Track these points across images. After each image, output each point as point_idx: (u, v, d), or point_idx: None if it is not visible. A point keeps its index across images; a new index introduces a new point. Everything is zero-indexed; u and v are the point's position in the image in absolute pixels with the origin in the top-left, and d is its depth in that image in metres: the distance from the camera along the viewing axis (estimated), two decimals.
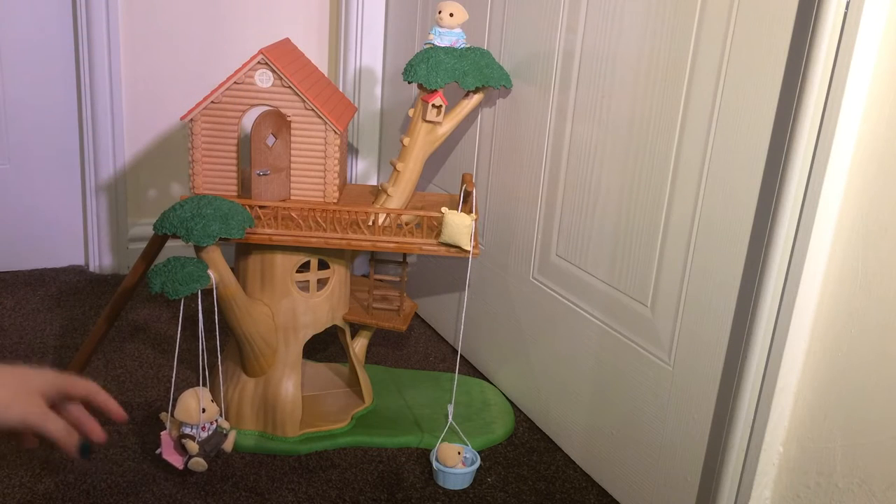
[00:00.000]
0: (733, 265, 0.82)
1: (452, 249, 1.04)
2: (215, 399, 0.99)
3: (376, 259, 1.13)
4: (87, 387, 0.76)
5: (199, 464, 0.95)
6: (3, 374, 0.70)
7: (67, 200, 1.61)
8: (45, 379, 0.72)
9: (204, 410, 0.96)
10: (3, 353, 1.30)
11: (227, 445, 0.99)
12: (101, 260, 1.63)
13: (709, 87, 0.83)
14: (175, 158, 1.63)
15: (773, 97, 0.75)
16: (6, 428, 0.69)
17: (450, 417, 1.07)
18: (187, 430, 0.96)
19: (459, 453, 1.03)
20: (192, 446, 0.95)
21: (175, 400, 0.98)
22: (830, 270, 0.75)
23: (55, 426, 0.72)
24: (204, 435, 0.96)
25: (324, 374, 1.25)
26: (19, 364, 0.72)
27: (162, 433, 0.97)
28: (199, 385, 0.97)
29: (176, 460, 0.97)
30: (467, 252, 1.02)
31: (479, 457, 1.06)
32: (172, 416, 0.98)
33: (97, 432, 0.78)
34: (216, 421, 0.98)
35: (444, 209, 1.02)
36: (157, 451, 0.98)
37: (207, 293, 0.97)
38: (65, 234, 1.63)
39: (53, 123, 1.55)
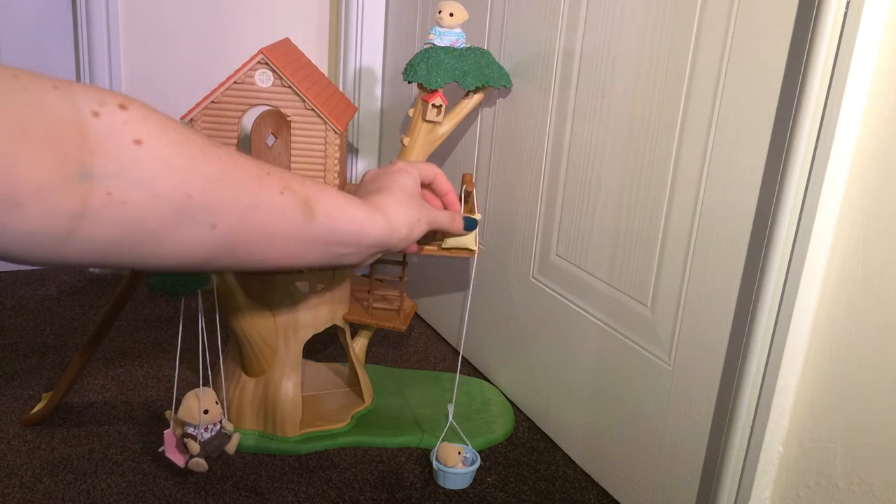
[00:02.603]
0: (733, 265, 0.82)
1: (453, 249, 1.03)
2: (219, 400, 0.99)
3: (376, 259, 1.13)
4: (434, 173, 0.82)
5: (198, 464, 0.95)
6: (393, 189, 0.72)
7: None
8: (414, 180, 0.76)
9: (207, 412, 0.96)
10: (3, 353, 1.30)
11: (230, 447, 0.99)
12: None
13: (709, 87, 0.83)
14: None
15: (773, 97, 0.75)
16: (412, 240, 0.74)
17: (450, 417, 1.07)
18: (190, 430, 0.96)
19: (459, 453, 1.03)
20: (194, 446, 0.95)
21: (178, 399, 0.98)
22: (830, 270, 0.75)
23: (441, 217, 0.79)
24: (206, 436, 0.96)
25: (324, 374, 1.25)
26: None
27: (165, 431, 0.97)
28: (199, 385, 0.97)
29: (178, 459, 0.97)
30: (473, 252, 1.02)
31: (479, 456, 1.06)
32: (176, 415, 0.98)
33: (456, 203, 0.87)
34: (220, 422, 0.98)
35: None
36: (160, 449, 0.98)
37: (207, 293, 0.97)
38: None
39: None
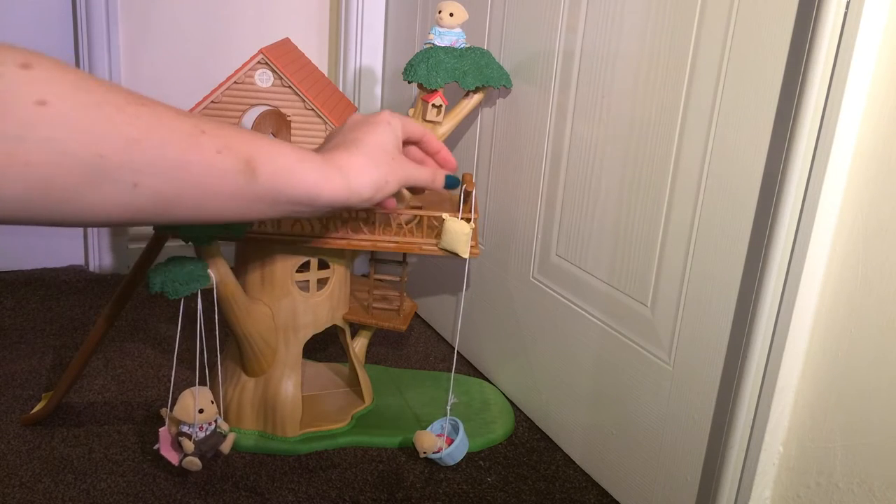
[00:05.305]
0: (733, 265, 0.82)
1: (448, 251, 1.04)
2: (215, 400, 0.99)
3: (376, 259, 1.13)
4: (422, 132, 0.78)
5: (192, 463, 0.95)
6: (366, 144, 0.68)
7: None
8: (395, 135, 0.72)
9: (202, 411, 0.96)
10: (2, 353, 1.30)
11: (225, 447, 0.99)
12: (101, 260, 1.63)
13: (709, 87, 0.83)
14: None
15: (773, 97, 0.75)
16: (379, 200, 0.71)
17: (448, 410, 1.07)
18: (184, 429, 0.96)
19: (440, 434, 1.05)
20: (188, 445, 0.95)
21: (175, 398, 0.98)
22: (830, 270, 0.75)
23: (420, 174, 0.74)
24: (201, 435, 0.96)
25: (324, 374, 1.25)
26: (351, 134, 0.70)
27: (161, 429, 0.98)
28: (197, 385, 0.97)
29: (172, 457, 0.97)
30: (464, 258, 1.03)
31: (460, 423, 1.07)
32: (171, 413, 0.98)
33: (451, 162, 0.81)
34: (215, 422, 0.98)
35: (444, 215, 1.02)
36: (155, 447, 0.98)
37: (207, 293, 0.97)
38: (65, 233, 1.63)
39: None
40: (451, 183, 0.80)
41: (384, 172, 0.68)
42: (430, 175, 0.76)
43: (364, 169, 0.66)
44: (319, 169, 0.63)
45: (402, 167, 0.71)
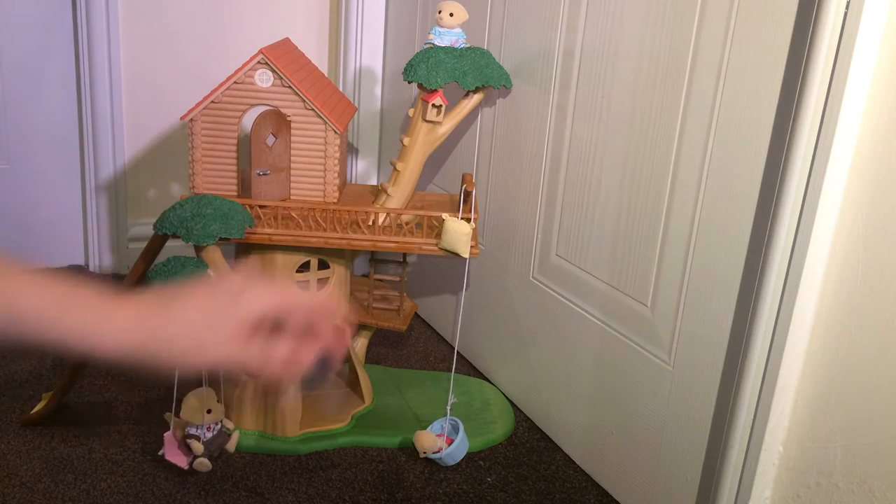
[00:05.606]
0: (733, 265, 0.82)
1: (448, 251, 1.04)
2: (219, 399, 0.99)
3: (376, 259, 1.13)
4: (310, 308, 0.58)
5: (203, 464, 0.95)
6: (195, 306, 0.55)
7: (67, 200, 1.61)
8: (252, 309, 0.55)
9: (209, 411, 0.96)
10: (2, 353, 1.30)
11: (231, 446, 0.99)
12: (101, 260, 1.63)
13: (709, 87, 0.83)
14: (175, 158, 1.62)
15: (773, 97, 0.75)
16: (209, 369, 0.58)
17: (448, 411, 1.07)
18: (192, 431, 0.96)
19: (440, 434, 1.05)
20: (198, 446, 0.95)
21: (178, 401, 0.98)
22: (830, 270, 0.75)
23: (243, 358, 0.56)
24: (209, 435, 0.96)
25: None
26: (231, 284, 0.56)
27: (165, 434, 0.97)
28: (199, 386, 0.97)
29: (180, 460, 0.97)
30: (464, 258, 1.03)
31: (459, 422, 1.07)
32: (177, 416, 0.98)
33: (337, 345, 0.58)
34: (220, 421, 0.98)
35: (444, 215, 1.02)
36: (160, 452, 0.98)
37: None
38: (65, 233, 1.63)
39: (53, 123, 1.55)
40: (316, 374, 0.57)
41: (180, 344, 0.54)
42: (260, 361, 0.56)
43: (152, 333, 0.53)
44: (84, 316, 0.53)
45: (209, 349, 0.55)
